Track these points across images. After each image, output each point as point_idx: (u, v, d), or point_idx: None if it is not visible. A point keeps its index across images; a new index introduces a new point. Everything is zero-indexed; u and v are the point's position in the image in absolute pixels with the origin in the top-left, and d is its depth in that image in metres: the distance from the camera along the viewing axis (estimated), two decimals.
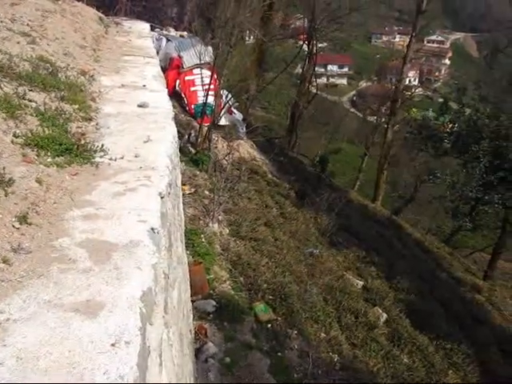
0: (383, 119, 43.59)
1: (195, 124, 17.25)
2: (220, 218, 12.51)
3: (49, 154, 4.90)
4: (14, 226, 3.75)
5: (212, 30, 19.64)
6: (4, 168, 4.21)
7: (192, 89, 19.05)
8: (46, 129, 5.33)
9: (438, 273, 20.38)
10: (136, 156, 5.29)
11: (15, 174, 4.23)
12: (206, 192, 13.39)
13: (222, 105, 16.50)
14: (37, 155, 4.78)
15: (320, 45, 33.53)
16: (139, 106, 6.88)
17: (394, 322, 13.45)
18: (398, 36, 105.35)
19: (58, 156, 4.94)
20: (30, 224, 3.84)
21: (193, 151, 15.20)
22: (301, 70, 38.12)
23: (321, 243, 15.66)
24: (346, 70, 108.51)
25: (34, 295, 3.17)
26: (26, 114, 5.41)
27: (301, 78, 33.82)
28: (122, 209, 4.22)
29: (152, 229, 4.00)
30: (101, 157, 5.19)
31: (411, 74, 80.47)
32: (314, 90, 33.60)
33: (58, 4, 10.96)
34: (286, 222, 15.64)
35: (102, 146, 5.34)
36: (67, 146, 5.09)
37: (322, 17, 26.58)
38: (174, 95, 18.81)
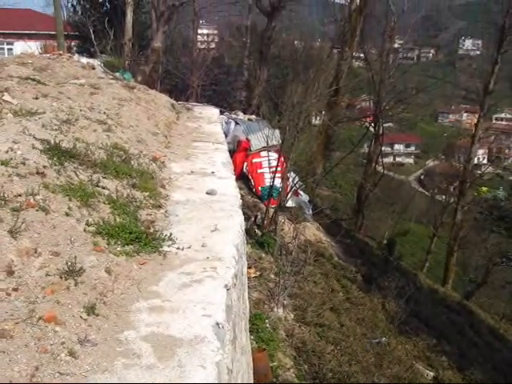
0: (452, 199, 42.70)
1: (262, 206, 17.39)
2: (285, 302, 12.33)
3: (119, 242, 5.01)
4: (81, 317, 3.78)
5: (279, 113, 20.07)
6: (75, 257, 4.32)
7: (259, 171, 19.35)
8: (117, 217, 5.49)
9: None
10: (203, 246, 5.32)
11: (86, 264, 4.32)
12: (272, 275, 13.27)
13: (289, 187, 16.64)
14: (107, 244, 4.89)
15: (386, 125, 33.71)
16: (207, 193, 6.99)
17: None
18: (465, 114, 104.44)
19: (127, 244, 5.03)
20: (98, 315, 3.88)
21: (259, 233, 15.24)
22: (367, 150, 38.29)
23: (389, 330, 15.09)
24: (412, 148, 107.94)
25: None
26: (98, 201, 5.60)
27: (367, 158, 33.80)
28: (188, 301, 4.20)
29: (217, 324, 3.94)
30: (169, 246, 5.25)
31: (480, 152, 79.31)
32: (381, 170, 33.50)
33: (134, 92, 11.56)
34: (353, 307, 15.23)
35: (171, 234, 5.42)
36: (137, 234, 5.19)
37: (388, 99, 26.88)
38: (242, 177, 19.11)
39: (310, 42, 44.44)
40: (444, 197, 45.19)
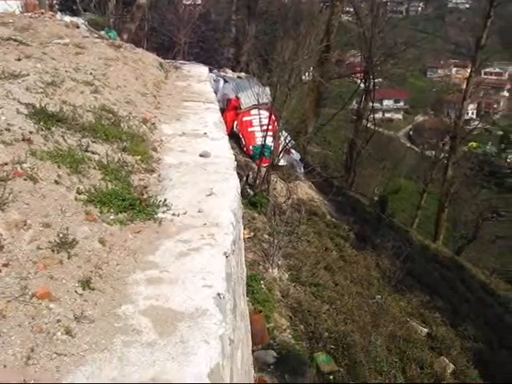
0: (442, 154, 42.64)
1: (253, 165, 17.18)
2: (279, 262, 12.25)
3: (112, 210, 4.80)
4: (76, 292, 3.61)
5: (269, 70, 19.68)
6: (67, 228, 4.13)
7: (250, 129, 19.04)
8: (109, 183, 5.27)
9: (507, 318, 19.37)
10: (199, 211, 5.14)
11: (78, 234, 4.14)
12: (266, 235, 13.17)
13: (281, 146, 16.37)
14: (100, 212, 4.69)
15: (375, 80, 33.25)
16: (201, 155, 6.77)
17: (462, 374, 12.71)
18: (454, 69, 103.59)
19: (120, 212, 4.83)
20: (93, 289, 3.70)
21: (251, 193, 15.06)
22: (356, 106, 38.01)
23: (383, 288, 15.13)
24: (401, 104, 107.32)
25: (98, 372, 2.99)
26: (89, 167, 5.37)
27: (357, 115, 33.46)
28: (187, 271, 4.04)
29: (218, 294, 3.79)
30: (163, 212, 5.06)
31: (470, 107, 79.14)
32: (372, 127, 33.22)
33: (120, 52, 11.17)
34: (347, 265, 15.21)
35: (165, 200, 5.22)
36: (130, 201, 4.99)
37: (379, 54, 26.42)
38: (232, 136, 18.85)
39: None
40: (434, 152, 45.11)
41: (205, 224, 4.88)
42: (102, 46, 10.79)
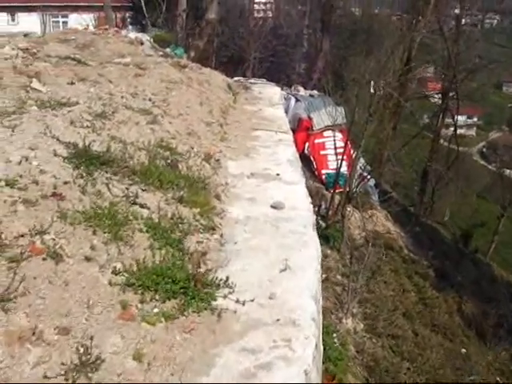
0: None
1: (325, 193, 15.88)
2: (354, 310, 10.91)
3: (157, 297, 3.66)
4: None
5: (343, 88, 18.38)
6: (92, 337, 3.01)
7: (322, 152, 17.76)
8: (157, 252, 4.15)
9: None
10: (271, 297, 3.93)
11: (106, 348, 3.00)
12: (339, 277, 11.87)
13: (357, 175, 14.94)
14: (141, 302, 3.56)
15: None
16: (273, 206, 5.58)
17: None
18: None
19: (168, 299, 3.68)
20: None
21: (323, 225, 13.73)
22: (427, 121, 36.24)
23: (467, 337, 13.51)
24: (474, 120, 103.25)
25: None
26: (134, 231, 4.27)
27: (434, 134, 31.43)
28: None
29: None
30: (224, 297, 3.88)
31: None
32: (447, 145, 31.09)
33: (185, 72, 10.16)
34: (427, 310, 13.69)
35: (227, 278, 4.04)
36: (182, 282, 3.82)
37: (462, 71, 24.54)
38: (303, 159, 17.64)
39: (369, 10, 41.87)
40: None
41: (278, 320, 3.67)
42: (164, 67, 9.81)
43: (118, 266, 3.70)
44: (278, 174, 6.65)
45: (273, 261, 4.47)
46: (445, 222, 28.23)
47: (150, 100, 7.69)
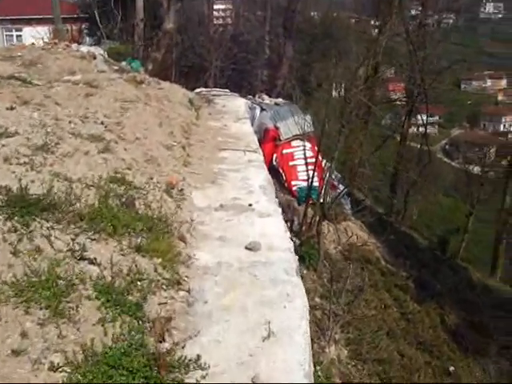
0: (491, 172, 40.15)
1: (296, 206, 15.08)
2: (337, 336, 10.16)
3: None
4: None
5: (308, 94, 17.69)
6: None
7: (291, 163, 16.94)
8: (109, 328, 3.31)
9: None
10: (253, 379, 3.14)
11: None
12: (317, 299, 11.07)
13: (328, 184, 14.13)
14: None
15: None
16: (247, 248, 4.81)
17: None
18: (489, 81, 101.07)
19: None
20: None
21: (297, 242, 12.90)
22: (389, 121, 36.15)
23: (453, 352, 12.91)
24: (436, 118, 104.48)
25: None
26: (79, 300, 3.44)
27: (401, 137, 31.02)
28: None
29: None
30: (197, 382, 3.08)
31: None
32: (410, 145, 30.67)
33: (142, 88, 9.34)
34: (410, 326, 13.04)
35: (199, 357, 3.25)
36: (141, 372, 3.00)
37: (432, 75, 24.13)
38: (271, 170, 16.87)
39: (330, 13, 41.47)
40: (480, 169, 42.32)
41: None
42: (119, 83, 8.98)
43: (57, 359, 2.86)
44: (250, 205, 5.87)
45: (252, 324, 3.69)
46: (416, 225, 27.74)
47: (102, 123, 6.84)
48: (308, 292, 11.04)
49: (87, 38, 29.58)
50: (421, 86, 23.33)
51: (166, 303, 3.86)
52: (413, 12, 36.24)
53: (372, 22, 29.04)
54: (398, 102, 29.93)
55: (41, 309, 3.19)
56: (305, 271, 11.99)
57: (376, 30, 26.20)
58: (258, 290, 4.13)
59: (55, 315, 3.19)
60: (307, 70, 27.40)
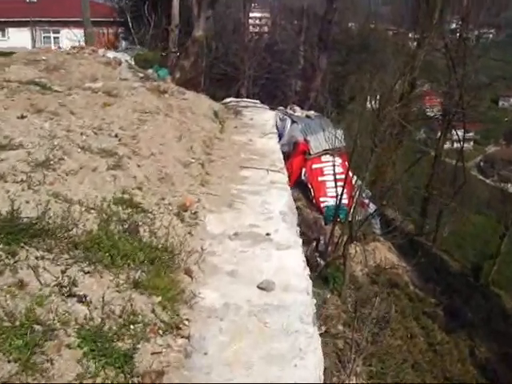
0: None
1: (323, 224, 14.55)
2: (358, 369, 9.57)
3: None
4: None
5: (342, 107, 17.13)
6: None
7: (320, 179, 16.45)
8: None
9: None
10: None
11: None
12: (340, 327, 10.51)
13: (358, 204, 13.53)
14: None
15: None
16: (260, 287, 4.30)
17: None
18: None
19: None
20: None
21: (321, 263, 12.38)
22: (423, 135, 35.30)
23: None
24: (471, 134, 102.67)
25: None
26: (58, 349, 2.99)
27: (436, 153, 30.17)
28: None
29: None
30: None
31: None
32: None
33: (164, 99, 8.92)
34: (437, 358, 12.40)
35: None
36: None
37: (471, 94, 23.29)
38: (299, 185, 16.38)
39: (367, 25, 40.85)
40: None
41: None
42: (140, 93, 8.57)
43: None
44: (267, 234, 5.37)
45: None
46: (447, 244, 26.81)
47: (116, 136, 6.43)
48: (331, 319, 10.56)
49: (123, 42, 29.59)
50: (459, 103, 22.51)
51: (160, 352, 3.38)
52: (452, 26, 35.52)
53: (410, 35, 28.27)
54: (434, 119, 29.16)
55: (9, 361, 2.74)
56: (328, 295, 11.47)
57: (414, 44, 25.48)
58: (266, 342, 3.63)
59: (24, 370, 2.73)
60: (341, 81, 26.79)
